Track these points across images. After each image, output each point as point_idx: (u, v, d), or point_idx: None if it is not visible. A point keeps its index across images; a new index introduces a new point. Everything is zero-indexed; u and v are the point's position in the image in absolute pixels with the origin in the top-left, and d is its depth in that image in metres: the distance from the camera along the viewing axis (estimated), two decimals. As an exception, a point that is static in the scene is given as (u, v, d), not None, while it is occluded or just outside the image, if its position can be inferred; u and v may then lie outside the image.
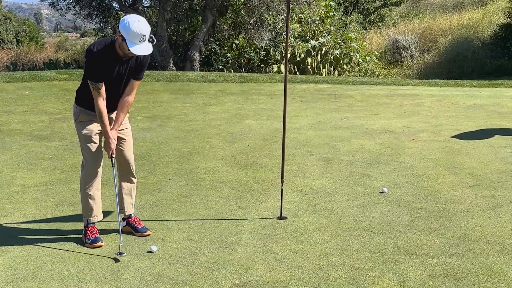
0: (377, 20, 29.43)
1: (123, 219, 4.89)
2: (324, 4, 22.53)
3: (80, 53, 28.97)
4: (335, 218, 5.10)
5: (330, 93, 11.79)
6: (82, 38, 49.58)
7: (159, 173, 6.57)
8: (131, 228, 4.86)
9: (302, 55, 19.75)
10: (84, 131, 4.63)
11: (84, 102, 4.60)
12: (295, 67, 19.31)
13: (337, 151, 7.21)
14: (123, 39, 4.26)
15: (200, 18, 19.78)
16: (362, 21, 28.44)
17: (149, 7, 22.37)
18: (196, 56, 19.60)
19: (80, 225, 4.82)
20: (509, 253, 4.24)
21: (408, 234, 4.69)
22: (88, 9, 21.31)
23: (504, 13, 22.36)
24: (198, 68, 19.59)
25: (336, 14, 23.95)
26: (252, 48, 20.65)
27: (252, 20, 20.63)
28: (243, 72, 18.89)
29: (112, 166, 4.69)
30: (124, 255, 4.39)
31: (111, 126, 4.61)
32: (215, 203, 5.57)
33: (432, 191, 5.67)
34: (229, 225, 5.01)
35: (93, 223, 4.72)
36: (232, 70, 19.51)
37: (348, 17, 27.35)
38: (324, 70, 19.48)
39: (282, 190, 5.28)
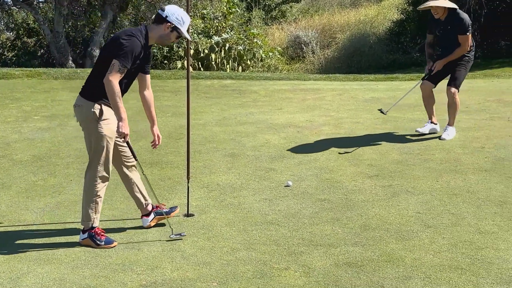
0: (278, 16, 29.87)
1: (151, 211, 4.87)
2: (226, 0, 22.59)
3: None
4: (242, 213, 5.14)
5: (235, 89, 11.85)
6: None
7: (60, 174, 6.34)
8: (160, 215, 4.82)
9: (206, 51, 19.70)
10: (106, 132, 4.50)
11: (100, 93, 4.44)
12: (199, 63, 19.24)
13: (243, 147, 7.27)
14: (174, 29, 4.51)
15: (99, 13, 19.22)
16: (264, 17, 28.75)
17: (45, 1, 21.48)
18: (97, 52, 19.04)
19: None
20: (407, 240, 4.45)
21: (312, 225, 4.81)
22: (-22, 4, 20.18)
23: (397, 10, 23.40)
24: (99, 65, 19.05)
25: (238, 10, 24.07)
26: (155, 44, 20.36)
27: (154, 16, 20.30)
28: (146, 69, 18.57)
29: (136, 160, 4.68)
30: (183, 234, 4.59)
31: (152, 124, 4.87)
32: (120, 203, 5.46)
33: (335, 183, 5.85)
34: (134, 225, 4.92)
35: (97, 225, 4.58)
36: (135, 67, 19.14)
37: (250, 13, 27.59)
38: (228, 65, 19.55)
39: (188, 187, 5.26)
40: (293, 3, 31.19)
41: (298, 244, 4.44)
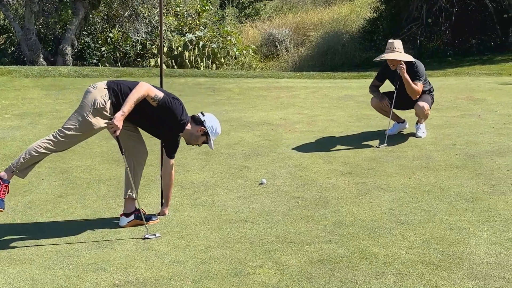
0: (252, 13, 29.87)
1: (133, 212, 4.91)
2: (199, -2, 22.50)
3: None
4: (216, 211, 5.14)
5: (209, 87, 11.81)
6: None
7: (31, 173, 6.17)
8: (139, 219, 4.83)
9: (180, 48, 19.61)
10: (93, 120, 4.54)
11: (119, 104, 4.58)
12: (173, 61, 19.14)
13: (217, 144, 7.22)
14: (205, 135, 4.93)
15: (70, 10, 18.96)
16: (238, 14, 28.74)
17: (15, -2, 21.10)
18: (68, 50, 18.80)
19: None
20: (380, 236, 4.49)
21: (287, 223, 4.83)
22: None
23: (370, 8, 23.59)
24: (71, 63, 18.80)
25: (212, 8, 24.01)
26: (128, 42, 20.18)
27: (126, 13, 20.13)
28: (119, 67, 18.42)
29: (122, 154, 4.71)
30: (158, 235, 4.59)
31: (165, 205, 5.10)
32: (93, 202, 5.41)
33: (309, 180, 5.87)
34: (107, 223, 4.88)
35: (9, 182, 4.50)
36: (108, 65, 18.95)
37: (224, 11, 27.54)
38: (202, 63, 19.48)
39: (161, 185, 5.22)
40: (267, 1, 31.22)
41: (273, 242, 4.45)
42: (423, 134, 7.20)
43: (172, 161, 5.00)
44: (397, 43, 7.00)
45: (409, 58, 6.98)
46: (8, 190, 4.47)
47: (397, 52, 6.92)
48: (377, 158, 6.50)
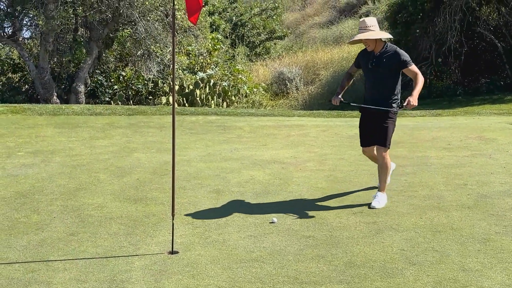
0: (262, 52, 30.26)
1: None
2: (211, 37, 22.86)
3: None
4: (226, 250, 5.13)
5: (219, 125, 11.91)
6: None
7: (43, 211, 6.28)
8: None
9: (191, 87, 19.85)
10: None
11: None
12: (184, 99, 19.36)
13: (228, 183, 7.27)
14: None
15: (84, 50, 19.32)
16: (248, 53, 29.12)
17: (30, 38, 21.53)
18: (81, 88, 19.08)
19: None
20: (391, 277, 4.46)
21: (297, 262, 4.81)
22: (-37, 40, 20.14)
23: (379, 47, 23.81)
24: (84, 101, 19.06)
25: (223, 47, 24.37)
26: (140, 80, 20.47)
27: (139, 52, 20.47)
28: (131, 104, 18.63)
29: None
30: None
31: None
32: (104, 240, 5.41)
33: (319, 219, 5.86)
34: (119, 262, 4.87)
35: None
36: (120, 102, 19.19)
37: (235, 50, 27.90)
38: (212, 101, 19.68)
39: (173, 224, 5.24)
40: (277, 40, 31.65)
41: (283, 282, 4.43)
42: (378, 204, 6.12)
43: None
44: (370, 21, 6.23)
45: (385, 35, 6.40)
46: None
47: (371, 31, 6.16)
48: (388, 197, 6.49)
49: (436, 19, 19.69)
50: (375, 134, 6.30)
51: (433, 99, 19.16)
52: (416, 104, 6.03)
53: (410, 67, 6.21)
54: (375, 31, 6.19)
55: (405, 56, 6.22)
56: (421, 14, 20.02)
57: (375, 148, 6.37)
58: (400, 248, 5.03)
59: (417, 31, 20.18)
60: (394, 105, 6.24)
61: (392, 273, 4.53)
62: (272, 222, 5.81)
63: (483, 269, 4.54)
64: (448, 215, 5.81)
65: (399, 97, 6.32)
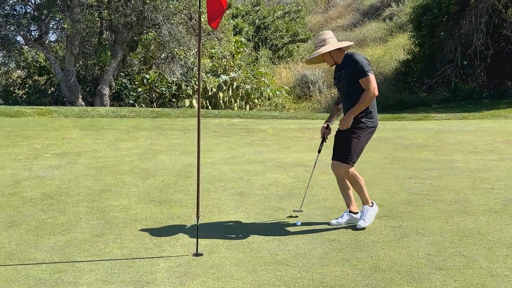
0: (285, 55, 30.25)
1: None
2: (234, 40, 22.93)
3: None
4: (251, 253, 5.12)
5: (243, 128, 11.93)
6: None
7: (69, 212, 6.35)
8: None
9: (214, 89, 19.92)
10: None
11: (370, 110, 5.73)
12: (207, 101, 19.43)
13: (251, 185, 7.28)
14: None
15: (109, 53, 19.53)
16: (271, 56, 29.13)
17: (56, 41, 21.83)
18: (106, 91, 19.29)
19: None
20: (418, 282, 4.41)
21: (322, 266, 4.78)
22: (-9, 44, 20.51)
23: (404, 50, 23.64)
24: (109, 103, 19.26)
25: (246, 50, 24.42)
26: (164, 83, 20.61)
27: (163, 55, 20.62)
28: (154, 107, 18.77)
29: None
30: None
31: None
32: (129, 241, 5.45)
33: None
34: (144, 264, 4.90)
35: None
36: (144, 105, 19.35)
37: (258, 52, 27.93)
38: (236, 104, 19.73)
39: (197, 226, 5.25)
40: (300, 43, 31.59)
41: (308, 286, 4.41)
42: (364, 223, 5.62)
43: None
44: (324, 34, 5.68)
45: (339, 44, 5.67)
46: None
47: (326, 45, 5.62)
48: (413, 201, 6.43)
49: (462, 21, 19.50)
50: (336, 149, 5.85)
51: (458, 102, 18.96)
52: (347, 126, 5.58)
53: (362, 78, 5.48)
54: (330, 43, 5.62)
55: (361, 63, 5.50)
56: (446, 16, 19.83)
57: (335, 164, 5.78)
58: (426, 253, 4.97)
59: (442, 33, 20.00)
60: (363, 120, 5.66)
61: (419, 278, 4.48)
62: (296, 225, 5.80)
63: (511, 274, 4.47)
64: (475, 220, 5.74)
65: (372, 110, 5.80)
